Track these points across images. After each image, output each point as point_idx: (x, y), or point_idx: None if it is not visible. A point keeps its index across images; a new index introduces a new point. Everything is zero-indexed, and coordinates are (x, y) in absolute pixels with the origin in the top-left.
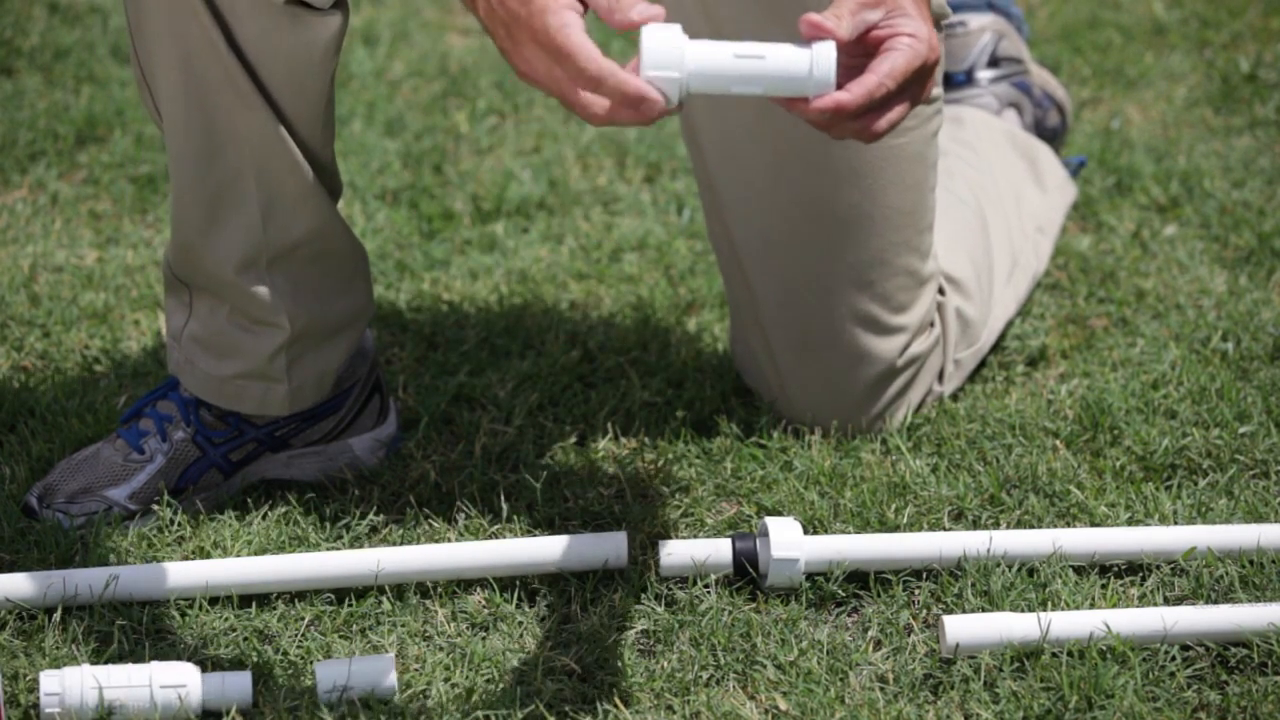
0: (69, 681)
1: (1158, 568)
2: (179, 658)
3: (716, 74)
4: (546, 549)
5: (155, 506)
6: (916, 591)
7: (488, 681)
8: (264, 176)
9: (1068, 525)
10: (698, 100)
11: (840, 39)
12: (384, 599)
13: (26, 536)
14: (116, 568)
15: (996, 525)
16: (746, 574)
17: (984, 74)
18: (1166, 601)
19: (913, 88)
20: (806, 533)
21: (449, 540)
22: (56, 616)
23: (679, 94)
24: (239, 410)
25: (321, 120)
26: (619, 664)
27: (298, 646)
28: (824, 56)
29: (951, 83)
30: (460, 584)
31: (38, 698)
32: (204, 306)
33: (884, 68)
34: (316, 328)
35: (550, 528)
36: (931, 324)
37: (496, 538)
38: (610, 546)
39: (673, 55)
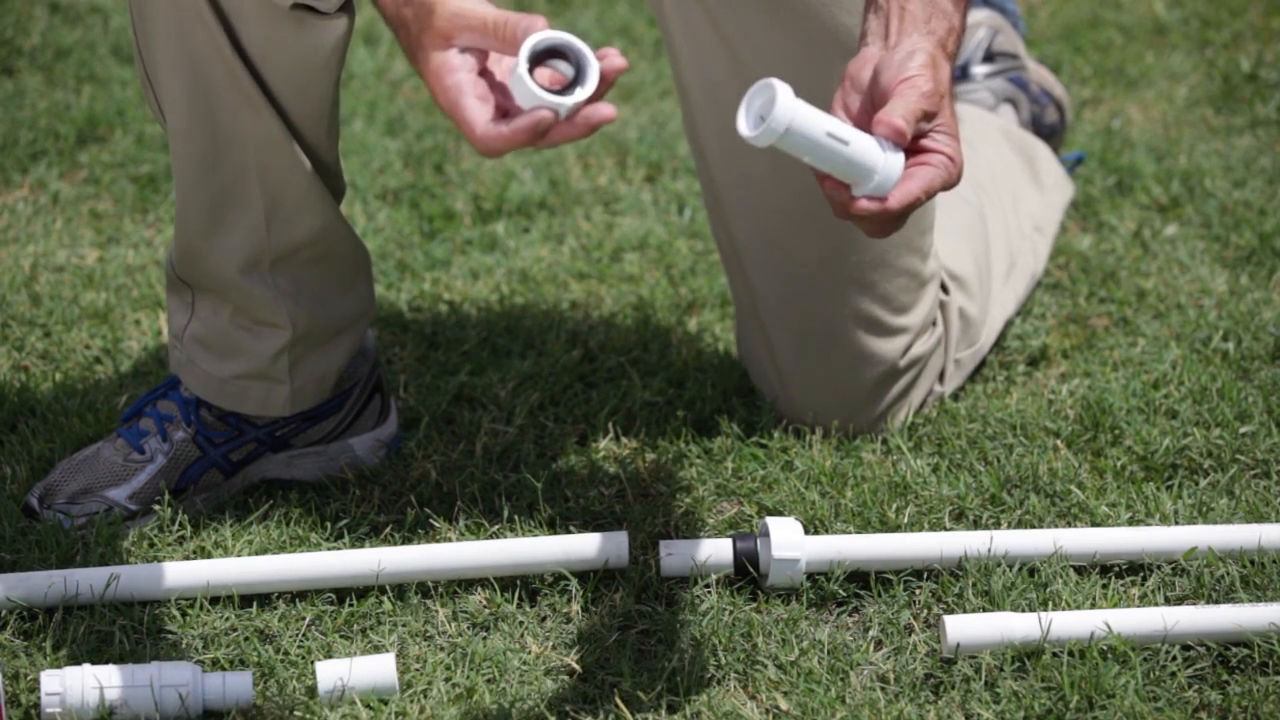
0: (70, 681)
1: (1158, 567)
2: (180, 658)
3: (805, 141)
4: (547, 549)
5: (156, 506)
6: (917, 591)
7: (488, 681)
8: (268, 178)
9: (1068, 525)
10: (700, 100)
11: (906, 146)
12: (384, 599)
13: (27, 536)
14: (117, 567)
15: (997, 525)
16: (747, 574)
17: (979, 69)
18: (1167, 601)
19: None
20: (807, 532)
21: (450, 540)
22: (57, 616)
23: (771, 142)
24: (241, 411)
25: (326, 122)
26: (619, 664)
27: (298, 646)
28: (894, 168)
29: None
30: (461, 584)
31: (39, 697)
32: (206, 307)
33: (922, 182)
34: (319, 329)
35: (551, 527)
36: (934, 324)
37: (497, 537)
38: (611, 546)
39: (784, 111)
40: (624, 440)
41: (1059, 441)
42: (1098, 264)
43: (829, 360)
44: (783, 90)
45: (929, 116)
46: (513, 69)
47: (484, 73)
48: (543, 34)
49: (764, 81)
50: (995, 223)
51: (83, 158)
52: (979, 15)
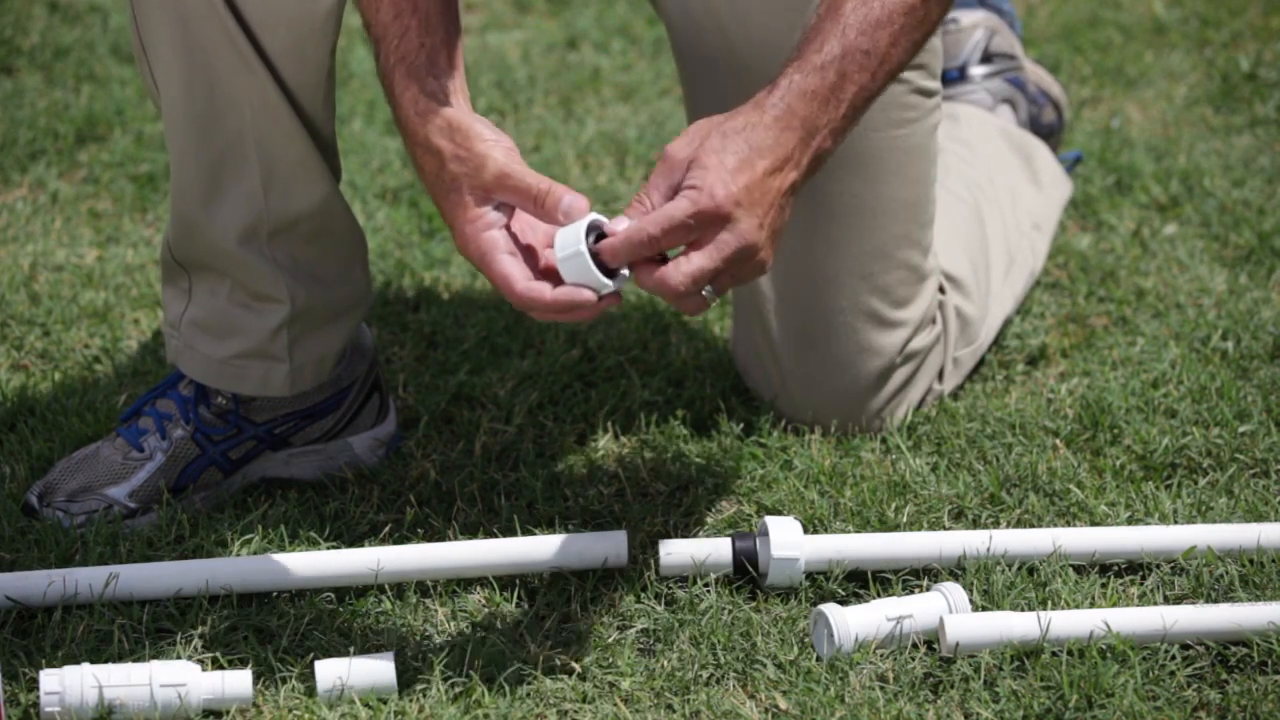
0: (69, 680)
1: (1158, 566)
2: (179, 656)
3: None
4: (546, 548)
5: (155, 505)
6: (917, 590)
7: (487, 681)
8: (264, 144)
9: (1068, 524)
10: (698, 94)
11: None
12: (384, 598)
13: (26, 535)
14: (117, 566)
15: (996, 524)
16: (746, 573)
17: (977, 70)
18: (1166, 600)
19: (703, 233)
20: (806, 532)
21: (449, 539)
22: (56, 616)
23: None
24: (240, 391)
25: (323, 93)
26: (619, 663)
27: (298, 645)
28: (958, 598)
29: (945, 79)
30: (460, 583)
31: (38, 696)
32: (203, 289)
33: (654, 215)
34: (317, 307)
35: (550, 527)
36: (933, 320)
37: (496, 537)
38: (610, 545)
39: (844, 632)
40: (623, 439)
41: (1058, 441)
42: (1097, 263)
43: (828, 353)
44: (833, 614)
45: (667, 173)
46: (569, 245)
47: (506, 227)
48: (596, 216)
49: (814, 615)
50: (993, 221)
51: (82, 157)
52: (976, 16)
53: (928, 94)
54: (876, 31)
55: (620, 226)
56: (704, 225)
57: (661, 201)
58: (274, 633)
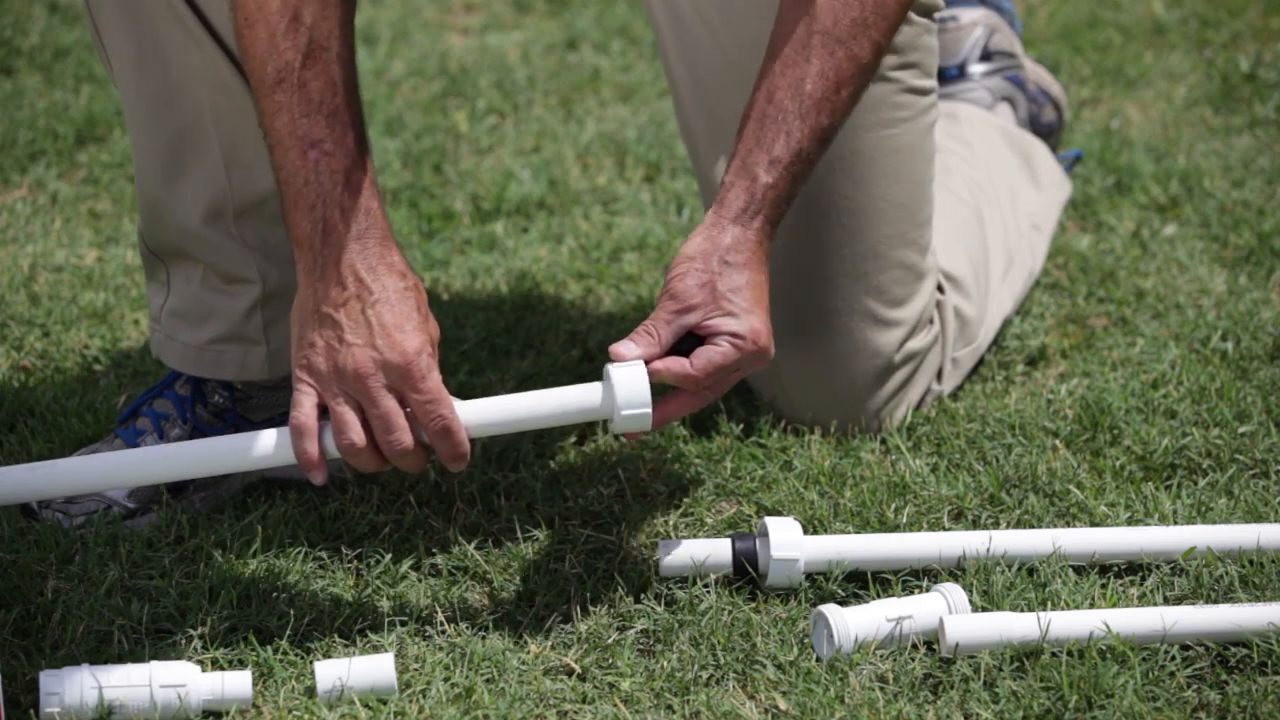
0: (69, 681)
1: (1157, 567)
2: (179, 657)
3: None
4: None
5: (154, 506)
6: (916, 591)
7: (487, 681)
8: (222, 121)
9: (1067, 525)
10: (688, 96)
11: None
12: (384, 598)
13: (26, 536)
14: (82, 458)
15: (996, 525)
16: (746, 574)
17: (976, 68)
18: (1166, 601)
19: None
20: (806, 532)
21: (449, 539)
22: (56, 616)
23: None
24: (219, 376)
25: None
26: (619, 664)
27: (297, 646)
28: (958, 599)
29: (944, 77)
30: (459, 583)
31: (37, 697)
32: (179, 277)
33: (700, 363)
34: (291, 288)
35: (550, 527)
36: (930, 320)
37: (496, 537)
38: (591, 396)
39: (845, 634)
40: (623, 440)
41: (1058, 441)
42: (1096, 264)
43: (824, 352)
44: (833, 614)
45: (685, 311)
46: (641, 405)
47: None
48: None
49: (814, 615)
50: (993, 221)
51: (81, 157)
52: (975, 14)
53: (921, 93)
54: (835, 96)
55: (628, 351)
56: (749, 363)
57: (672, 338)
58: (274, 633)
